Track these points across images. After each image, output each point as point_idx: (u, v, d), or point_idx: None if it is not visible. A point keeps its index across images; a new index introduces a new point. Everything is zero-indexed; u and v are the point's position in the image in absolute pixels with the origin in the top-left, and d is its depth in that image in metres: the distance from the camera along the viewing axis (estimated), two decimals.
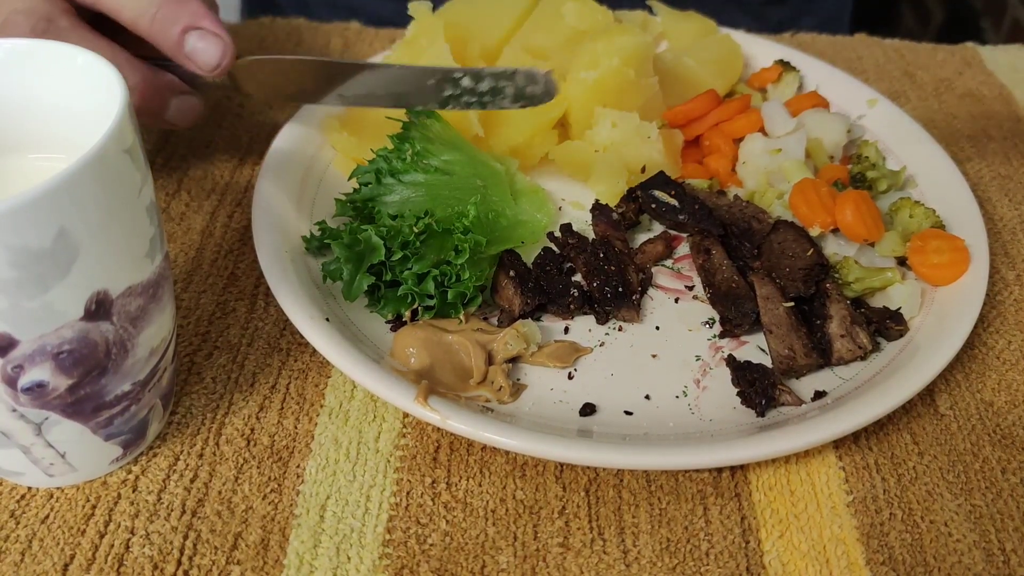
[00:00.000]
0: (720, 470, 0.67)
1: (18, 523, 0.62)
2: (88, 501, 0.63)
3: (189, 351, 0.74)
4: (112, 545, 0.61)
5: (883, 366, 0.72)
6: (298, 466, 0.66)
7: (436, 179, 0.80)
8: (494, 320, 0.77)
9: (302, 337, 0.71)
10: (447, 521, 0.63)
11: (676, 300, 0.80)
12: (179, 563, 0.60)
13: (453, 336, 0.72)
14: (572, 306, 0.77)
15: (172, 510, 0.63)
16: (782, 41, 1.15)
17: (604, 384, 0.72)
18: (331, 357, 0.68)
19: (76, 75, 0.58)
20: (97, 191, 0.51)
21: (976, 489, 0.66)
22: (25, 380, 0.53)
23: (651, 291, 0.81)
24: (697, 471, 0.66)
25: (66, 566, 0.60)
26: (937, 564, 0.62)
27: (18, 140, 0.61)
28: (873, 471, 0.67)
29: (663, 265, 0.84)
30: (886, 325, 0.75)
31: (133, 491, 0.64)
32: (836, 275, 0.78)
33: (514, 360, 0.73)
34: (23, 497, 0.63)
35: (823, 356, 0.73)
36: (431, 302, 0.74)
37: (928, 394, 0.73)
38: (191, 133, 0.98)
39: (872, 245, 0.81)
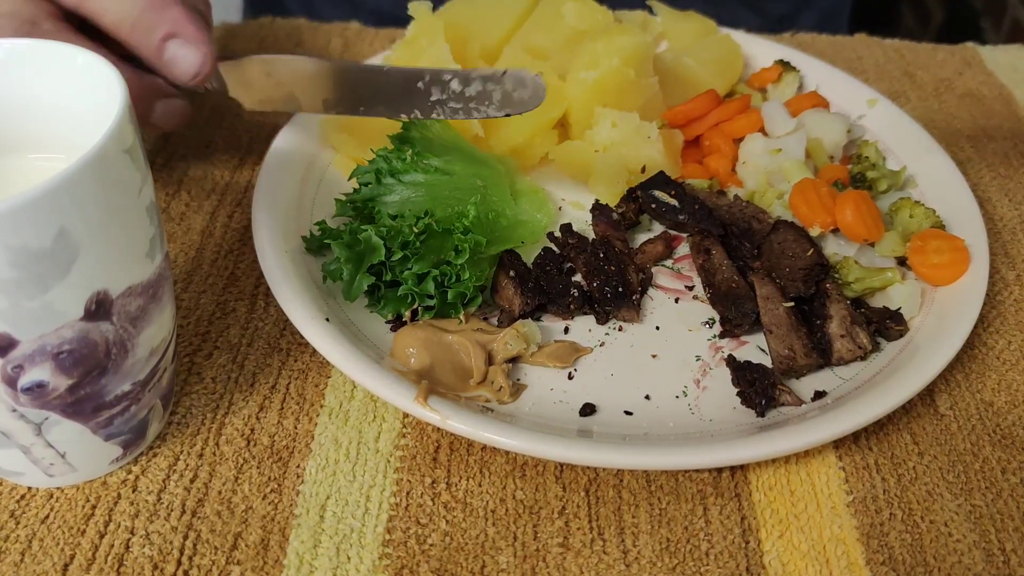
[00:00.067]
0: (720, 470, 0.67)
1: (18, 523, 0.62)
2: (88, 501, 0.63)
3: (189, 351, 0.74)
4: (112, 545, 0.61)
5: (883, 366, 0.72)
6: (298, 466, 0.66)
7: (436, 179, 0.80)
8: (494, 320, 0.77)
9: (302, 337, 0.71)
10: (447, 521, 0.63)
11: (676, 300, 0.80)
12: (179, 563, 0.60)
13: (453, 336, 0.72)
14: (572, 306, 0.77)
15: (172, 510, 0.63)
16: (782, 41, 1.15)
17: (604, 384, 0.72)
18: (331, 357, 0.68)
19: (76, 75, 0.58)
20: (97, 191, 0.51)
21: (976, 489, 0.66)
22: (25, 380, 0.53)
23: (651, 291, 0.81)
24: (697, 471, 0.66)
25: (66, 566, 0.60)
26: (937, 564, 0.62)
27: (18, 140, 0.61)
28: (873, 471, 0.67)
29: (663, 265, 0.84)
30: (886, 325, 0.75)
31: (133, 491, 0.64)
32: (836, 275, 0.78)
33: (514, 360, 0.73)
34: (23, 497, 0.63)
35: (823, 356, 0.73)
36: (431, 302, 0.74)
37: (928, 394, 0.73)
38: (191, 133, 0.98)
39: (872, 245, 0.81)
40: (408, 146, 0.81)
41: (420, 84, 0.76)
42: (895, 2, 2.49)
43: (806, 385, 0.72)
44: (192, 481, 0.65)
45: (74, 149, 0.54)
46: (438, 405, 0.65)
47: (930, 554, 0.62)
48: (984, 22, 2.17)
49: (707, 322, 0.78)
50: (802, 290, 0.76)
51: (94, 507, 0.63)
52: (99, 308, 0.54)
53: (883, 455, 0.68)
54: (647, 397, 0.71)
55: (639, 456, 0.63)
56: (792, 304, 0.75)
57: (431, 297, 0.74)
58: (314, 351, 0.73)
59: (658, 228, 0.88)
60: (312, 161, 0.90)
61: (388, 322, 0.76)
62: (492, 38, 0.95)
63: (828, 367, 0.74)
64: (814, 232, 0.81)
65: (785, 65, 1.02)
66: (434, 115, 0.77)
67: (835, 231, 0.82)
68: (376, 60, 1.00)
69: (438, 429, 0.69)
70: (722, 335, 0.77)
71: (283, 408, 0.70)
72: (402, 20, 0.93)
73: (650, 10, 1.06)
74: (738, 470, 0.67)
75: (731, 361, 0.73)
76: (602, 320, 0.77)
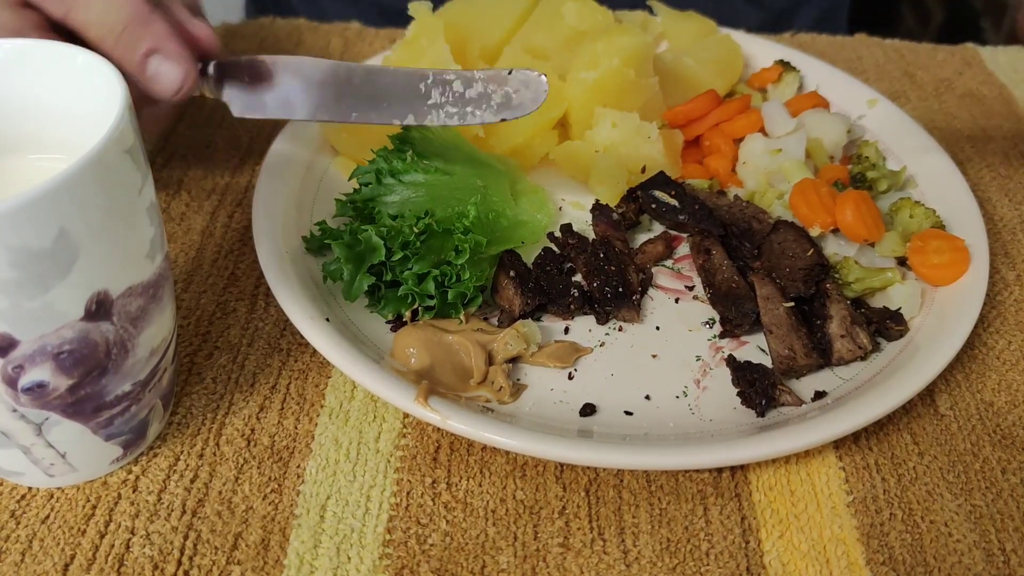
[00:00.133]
0: (720, 470, 0.67)
1: (18, 523, 0.62)
2: (88, 501, 0.63)
3: (189, 351, 0.74)
4: (112, 545, 0.61)
5: (883, 366, 0.72)
6: (298, 466, 0.66)
7: (436, 179, 0.80)
8: (494, 320, 0.77)
9: (302, 337, 0.71)
10: (447, 521, 0.63)
11: (676, 300, 0.80)
12: (179, 563, 0.60)
13: (453, 336, 0.72)
14: (572, 306, 0.77)
15: (172, 510, 0.63)
16: (782, 41, 1.15)
17: (604, 384, 0.72)
18: (331, 357, 0.68)
19: (76, 75, 0.59)
20: (97, 191, 0.51)
21: (976, 489, 0.66)
22: (25, 380, 0.53)
23: (651, 291, 0.81)
24: (697, 471, 0.66)
25: (66, 566, 0.60)
26: (937, 564, 0.62)
27: (18, 140, 0.61)
28: (873, 471, 0.67)
29: (663, 265, 0.84)
30: (886, 325, 0.75)
31: (133, 491, 0.64)
32: (836, 275, 0.78)
33: (514, 360, 0.73)
34: (23, 497, 0.64)
35: (823, 356, 0.73)
36: (431, 302, 0.74)
37: (928, 394, 0.73)
38: (191, 133, 0.98)
39: (872, 245, 0.81)
40: (408, 146, 0.81)
41: (422, 86, 0.75)
42: (895, 2, 2.49)
43: (806, 385, 0.72)
44: (192, 481, 0.65)
45: (74, 149, 0.54)
46: (438, 405, 0.65)
47: (930, 554, 0.62)
48: (984, 22, 2.17)
49: (707, 322, 0.78)
50: (802, 290, 0.76)
51: (94, 507, 0.63)
52: (99, 308, 0.54)
53: (883, 455, 0.68)
54: (647, 397, 0.71)
55: (639, 456, 0.63)
56: (792, 304, 0.75)
57: (431, 297, 0.74)
58: (314, 351, 0.73)
59: (658, 228, 0.88)
60: (312, 161, 0.90)
61: (388, 322, 0.76)
62: (492, 38, 0.95)
63: (828, 367, 0.74)
64: (814, 232, 0.81)
65: (785, 65, 1.02)
66: (428, 120, 0.75)
67: (835, 231, 0.82)
68: (376, 60, 1.00)
69: (438, 429, 0.69)
70: (722, 335, 0.77)
71: (283, 408, 0.70)
72: (404, 13, 0.93)
73: (650, 10, 1.06)
74: (738, 470, 0.67)
75: (731, 361, 0.73)
76: (602, 320, 0.77)
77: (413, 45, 0.91)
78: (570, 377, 0.73)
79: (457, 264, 0.74)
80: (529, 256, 0.81)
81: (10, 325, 0.51)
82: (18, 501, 0.63)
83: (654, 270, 0.83)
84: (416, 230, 0.74)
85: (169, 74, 0.71)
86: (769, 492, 0.66)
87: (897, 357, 0.73)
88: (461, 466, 0.67)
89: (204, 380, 0.72)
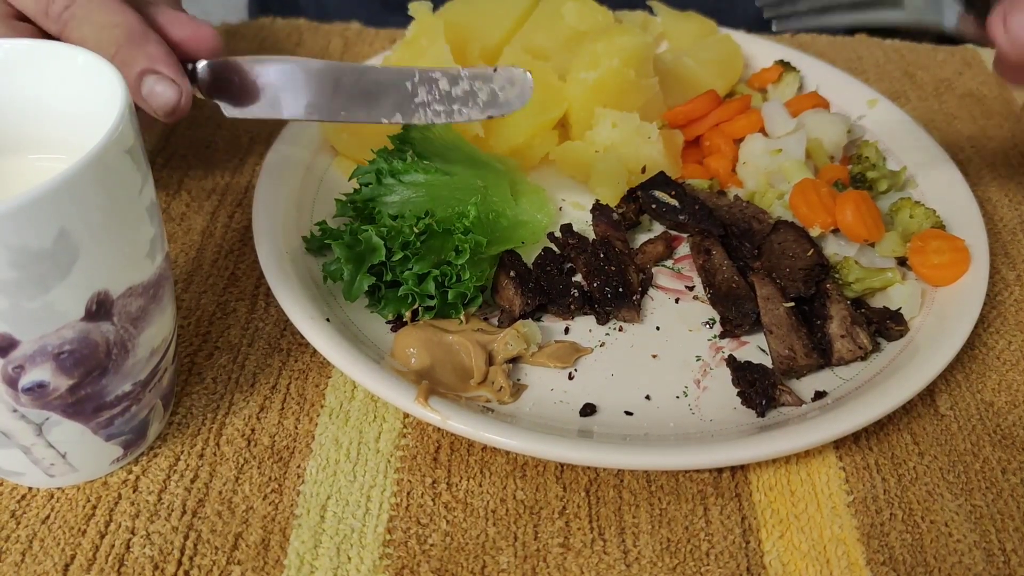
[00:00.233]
0: (720, 470, 0.67)
1: (19, 523, 0.62)
2: (89, 501, 0.63)
3: (190, 351, 0.74)
4: (113, 545, 0.61)
5: (883, 366, 0.72)
6: (299, 466, 0.66)
7: (436, 179, 0.80)
8: (494, 320, 0.77)
9: (302, 337, 0.71)
10: (447, 521, 0.63)
11: (676, 300, 0.80)
12: (180, 563, 0.60)
13: (453, 336, 0.72)
14: (572, 306, 0.77)
15: (173, 510, 0.63)
16: (782, 41, 1.15)
17: (604, 384, 0.72)
18: (331, 357, 0.68)
19: (76, 75, 0.59)
20: (98, 192, 0.51)
21: (976, 489, 0.66)
22: (26, 380, 0.53)
23: (651, 291, 0.81)
24: (697, 471, 0.66)
25: (67, 566, 0.60)
26: (937, 564, 0.62)
27: (18, 140, 0.61)
28: (873, 471, 0.67)
29: (663, 265, 0.84)
30: (886, 325, 0.75)
31: (134, 491, 0.64)
32: (836, 275, 0.78)
33: (514, 360, 0.73)
34: (24, 497, 0.64)
35: (823, 356, 0.73)
36: (431, 302, 0.74)
37: (928, 394, 0.73)
38: (191, 133, 0.98)
39: (872, 245, 0.81)
40: (408, 146, 0.81)
41: (409, 84, 0.75)
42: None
43: (806, 385, 0.72)
44: (193, 481, 0.65)
45: (74, 149, 0.54)
46: (438, 405, 0.65)
47: (930, 554, 0.62)
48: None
49: (707, 322, 0.78)
50: (802, 290, 0.76)
51: (95, 507, 0.63)
52: (100, 308, 0.54)
53: (883, 455, 0.68)
54: (647, 397, 0.71)
55: (639, 456, 0.63)
56: (792, 304, 0.75)
57: (431, 297, 0.74)
58: (314, 351, 0.73)
59: (658, 228, 0.88)
60: (312, 161, 0.90)
61: (388, 322, 0.76)
62: (492, 38, 0.96)
63: (828, 367, 0.74)
64: (814, 232, 0.81)
65: (785, 65, 1.02)
66: (416, 119, 0.75)
67: (835, 231, 0.82)
68: (376, 60, 1.00)
69: (438, 429, 0.69)
70: (722, 335, 0.77)
71: (284, 408, 0.70)
72: (406, 7, 0.93)
73: (650, 10, 1.06)
74: (738, 470, 0.67)
75: (731, 361, 0.73)
76: (602, 320, 0.77)
77: (413, 45, 0.91)
78: (570, 377, 0.73)
79: (457, 264, 0.74)
80: (529, 256, 0.81)
81: (10, 325, 0.51)
82: (18, 501, 0.63)
83: (654, 270, 0.83)
84: (416, 230, 0.74)
85: (164, 94, 0.71)
86: (769, 492, 0.66)
87: (897, 357, 0.73)
88: (461, 466, 0.67)
89: (204, 380, 0.72)
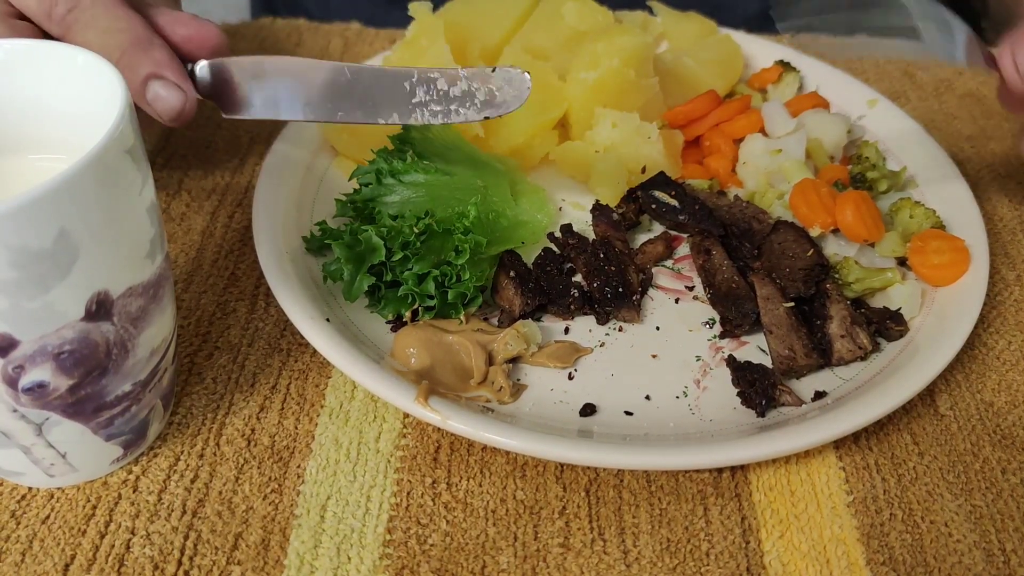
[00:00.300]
0: (720, 470, 0.67)
1: (19, 523, 0.62)
2: (89, 501, 0.63)
3: (190, 351, 0.74)
4: (113, 545, 0.61)
5: (883, 366, 0.72)
6: (298, 466, 0.66)
7: (436, 179, 0.80)
8: (494, 320, 0.77)
9: (302, 337, 0.71)
10: (447, 521, 0.63)
11: (676, 300, 0.80)
12: (180, 563, 0.60)
13: (453, 336, 0.72)
14: (572, 306, 0.77)
15: (173, 510, 0.63)
16: (782, 41, 1.15)
17: (604, 384, 0.72)
18: (331, 357, 0.68)
19: (77, 75, 0.59)
20: (98, 192, 0.51)
21: (976, 489, 0.66)
22: (26, 380, 0.53)
23: (651, 291, 0.81)
24: (697, 471, 0.66)
25: (67, 566, 0.60)
26: (937, 564, 0.62)
27: (18, 141, 0.61)
28: (873, 471, 0.67)
29: (663, 265, 0.84)
30: (886, 325, 0.75)
31: (134, 491, 0.64)
32: (836, 275, 0.78)
33: (514, 360, 0.73)
34: (24, 497, 0.64)
35: (823, 356, 0.73)
36: (431, 302, 0.74)
37: (928, 394, 0.73)
38: (191, 133, 0.98)
39: (872, 245, 0.81)
40: (408, 146, 0.81)
41: (407, 84, 0.75)
42: None
43: (806, 385, 0.72)
44: (193, 481, 0.65)
45: (74, 150, 0.54)
46: (438, 405, 0.65)
47: (930, 554, 0.62)
48: (984, 22, 2.17)
49: (707, 322, 0.78)
50: (802, 290, 0.76)
51: (95, 507, 0.63)
52: (100, 308, 0.54)
53: (883, 455, 0.68)
54: (647, 397, 0.71)
55: (639, 456, 0.63)
56: (792, 304, 0.75)
57: (431, 297, 0.74)
58: (314, 351, 0.73)
59: (658, 228, 0.88)
60: (312, 161, 0.90)
61: (388, 322, 0.76)
62: (492, 38, 0.95)
63: (828, 367, 0.74)
64: (814, 232, 0.81)
65: (785, 65, 1.02)
66: (412, 119, 0.75)
67: (835, 231, 0.82)
68: (376, 60, 1.00)
69: (438, 429, 0.69)
70: (722, 335, 0.77)
71: (284, 408, 0.70)
72: (407, 2, 0.93)
73: (650, 10, 1.06)
74: (738, 470, 0.67)
75: (731, 361, 0.73)
76: (602, 320, 0.77)
77: (413, 45, 0.91)
78: (570, 377, 0.73)
79: (457, 264, 0.74)
80: (529, 256, 0.81)
81: (10, 325, 0.51)
82: (18, 501, 0.63)
83: (654, 270, 0.83)
84: (416, 230, 0.74)
85: (168, 99, 0.71)
86: (769, 492, 0.66)
87: (897, 357, 0.73)
88: (461, 466, 0.67)
89: (204, 380, 0.72)
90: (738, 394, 0.71)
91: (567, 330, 0.77)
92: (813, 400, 0.71)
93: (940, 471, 0.67)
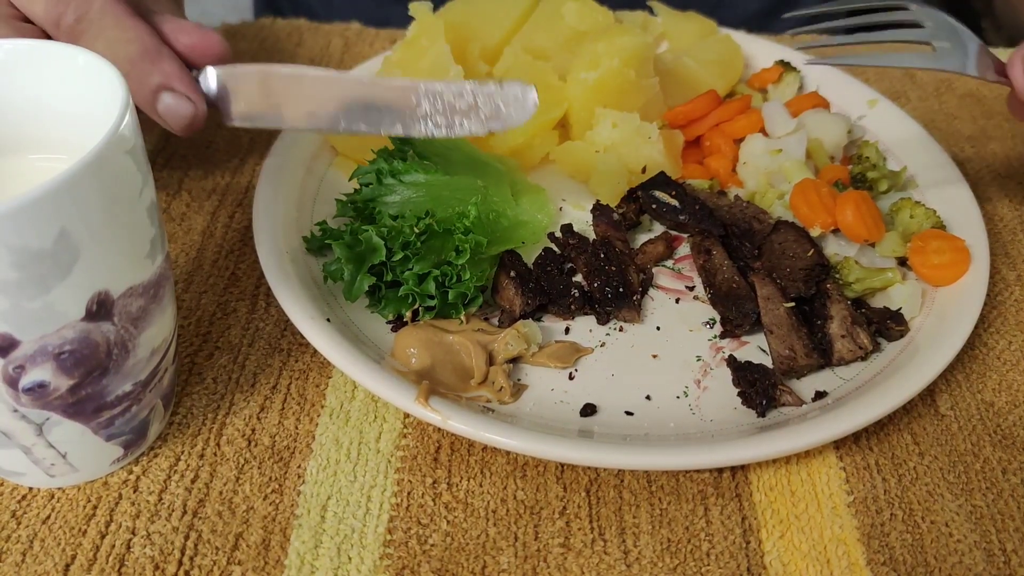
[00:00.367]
0: (721, 470, 0.67)
1: (19, 523, 0.62)
2: (89, 501, 0.63)
3: (190, 351, 0.74)
4: (113, 545, 0.61)
5: (884, 366, 0.72)
6: (299, 466, 0.66)
7: (437, 179, 0.80)
8: (495, 320, 0.77)
9: (303, 337, 0.71)
10: (448, 521, 0.63)
11: (677, 300, 0.80)
12: (180, 563, 0.60)
13: (454, 336, 0.72)
14: (573, 306, 0.77)
15: (173, 510, 0.63)
16: (782, 41, 1.15)
17: (605, 384, 0.72)
18: (332, 357, 0.68)
19: (77, 75, 0.59)
20: (98, 192, 0.51)
21: (977, 489, 0.66)
22: (26, 380, 0.53)
23: (652, 291, 0.81)
24: (698, 471, 0.66)
25: (67, 566, 0.60)
26: (938, 564, 0.62)
27: (19, 141, 0.61)
28: (874, 471, 0.67)
29: (664, 265, 0.84)
30: (887, 325, 0.75)
31: (134, 491, 0.64)
32: (837, 275, 0.78)
33: (515, 360, 0.73)
34: (24, 497, 0.64)
35: (824, 356, 0.73)
36: (432, 302, 0.74)
37: (929, 394, 0.73)
38: (192, 133, 0.98)
39: (873, 245, 0.81)
40: (409, 146, 0.81)
41: (413, 97, 0.74)
42: None
43: (807, 385, 0.72)
44: (193, 481, 0.65)
45: (75, 150, 0.54)
46: (439, 405, 0.65)
47: (931, 554, 0.62)
48: (984, 22, 2.17)
49: (708, 322, 0.78)
50: (803, 290, 0.76)
51: (95, 507, 0.63)
52: (100, 308, 0.54)
53: (884, 455, 0.68)
54: (648, 397, 0.71)
55: (640, 456, 0.63)
56: (793, 304, 0.75)
57: (432, 297, 0.74)
58: (315, 351, 0.73)
59: (659, 228, 0.88)
60: (313, 161, 0.90)
61: (389, 322, 0.76)
62: (492, 38, 0.96)
63: (829, 367, 0.74)
64: (815, 232, 0.81)
65: (785, 65, 1.02)
66: (416, 131, 0.75)
67: (836, 231, 0.82)
68: (376, 61, 1.00)
69: (439, 429, 0.69)
70: (723, 335, 0.77)
71: (284, 408, 0.70)
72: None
73: (650, 10, 1.06)
74: (739, 470, 0.67)
75: (732, 361, 0.73)
76: (603, 320, 0.77)
77: (413, 45, 0.91)
78: (571, 377, 0.73)
79: (458, 264, 0.74)
80: (529, 256, 0.81)
81: (11, 325, 0.51)
82: (19, 501, 0.63)
83: (654, 270, 0.83)
84: (417, 230, 0.74)
85: (179, 110, 0.71)
86: (770, 492, 0.66)
87: (897, 357, 0.73)
88: (462, 466, 0.67)
89: (205, 380, 0.72)
90: (739, 394, 0.71)
91: (567, 330, 0.77)
92: (813, 400, 0.71)
93: (940, 471, 0.67)
